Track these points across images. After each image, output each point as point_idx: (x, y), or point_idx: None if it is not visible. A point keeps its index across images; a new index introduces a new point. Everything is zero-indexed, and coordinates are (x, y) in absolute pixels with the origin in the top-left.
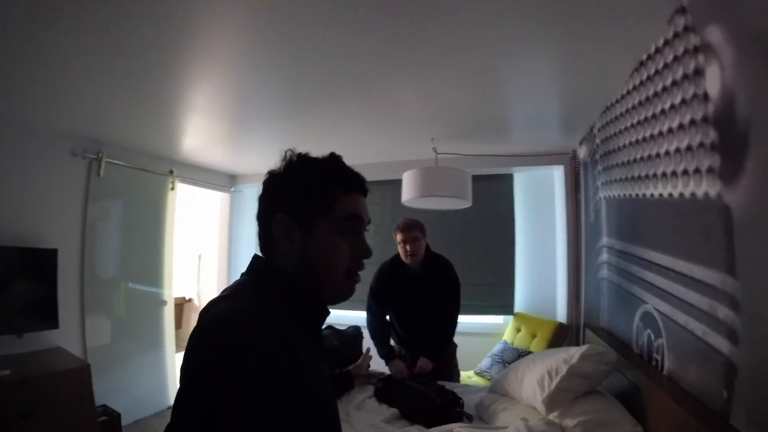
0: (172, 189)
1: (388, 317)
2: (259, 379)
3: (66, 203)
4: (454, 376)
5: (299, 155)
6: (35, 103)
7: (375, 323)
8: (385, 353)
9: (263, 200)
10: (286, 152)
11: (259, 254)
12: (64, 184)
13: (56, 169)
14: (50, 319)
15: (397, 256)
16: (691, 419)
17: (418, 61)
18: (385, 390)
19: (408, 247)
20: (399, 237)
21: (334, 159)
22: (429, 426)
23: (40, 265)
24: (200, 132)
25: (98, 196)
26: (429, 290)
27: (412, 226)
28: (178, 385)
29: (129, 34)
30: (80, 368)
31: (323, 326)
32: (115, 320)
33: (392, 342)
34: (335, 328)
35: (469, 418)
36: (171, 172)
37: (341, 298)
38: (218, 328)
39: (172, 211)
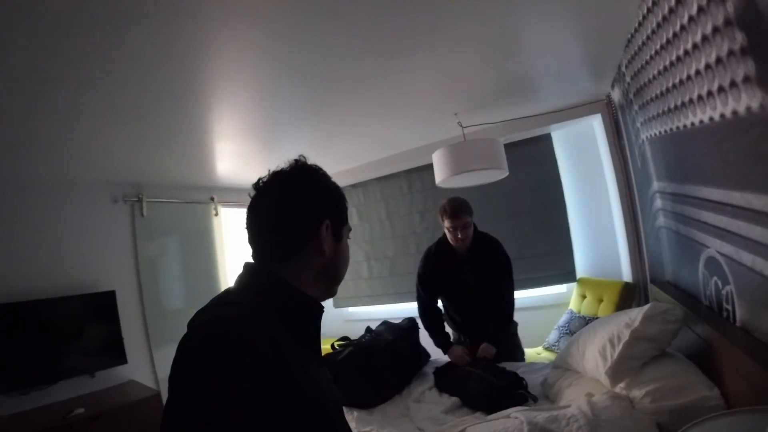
0: (216, 215)
1: (440, 304)
2: (246, 385)
3: (116, 247)
4: (518, 355)
5: (316, 167)
6: (68, 159)
7: (426, 312)
8: (442, 342)
9: (292, 206)
10: (300, 157)
11: (250, 262)
12: (111, 230)
13: (101, 217)
14: (119, 356)
15: (442, 239)
16: None
17: (429, 31)
18: (445, 379)
19: (459, 234)
20: (448, 223)
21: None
22: (491, 412)
23: (102, 307)
24: (232, 156)
25: (146, 235)
26: (479, 271)
27: (461, 210)
28: None
29: (148, 75)
30: (151, 397)
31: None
32: None
33: (448, 329)
34: (390, 323)
35: (534, 399)
36: (212, 198)
37: (335, 292)
38: (205, 337)
39: (220, 235)
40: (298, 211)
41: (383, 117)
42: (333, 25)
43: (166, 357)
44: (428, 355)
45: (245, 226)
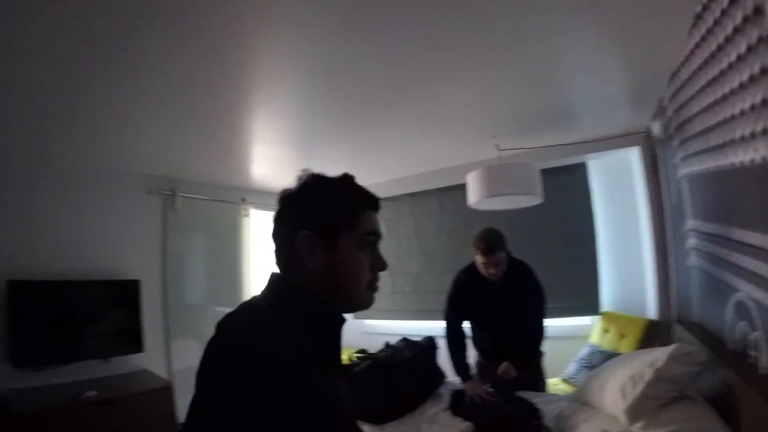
0: (246, 216)
1: (469, 328)
2: (268, 392)
3: (146, 238)
4: (540, 385)
5: (315, 175)
6: (108, 149)
7: (452, 335)
8: (461, 370)
9: (282, 219)
10: (302, 172)
11: (277, 272)
12: (142, 221)
13: (134, 208)
14: (135, 344)
15: (474, 265)
16: None
17: (468, 59)
18: (460, 402)
19: (492, 270)
20: (481, 258)
21: (349, 178)
22: None
23: (125, 295)
24: (267, 159)
25: (176, 229)
26: (510, 298)
27: (495, 247)
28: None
29: (190, 71)
30: (163, 388)
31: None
32: (203, 343)
33: (474, 354)
34: (409, 340)
35: (548, 431)
36: (243, 200)
37: (362, 307)
38: (236, 340)
39: (248, 236)
40: (282, 226)
41: (420, 133)
42: (375, 41)
43: (181, 350)
44: (444, 376)
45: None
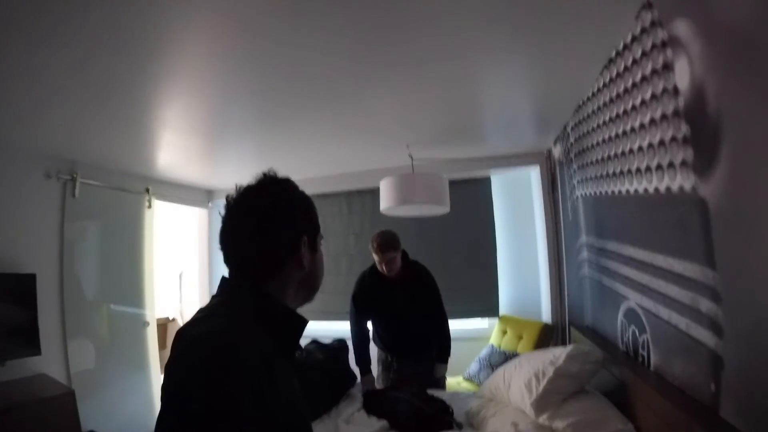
0: (149, 207)
1: (370, 325)
2: (240, 401)
3: (42, 227)
4: (440, 381)
5: (282, 178)
6: (4, 124)
7: (357, 331)
8: (363, 364)
9: (268, 220)
10: (269, 171)
11: (226, 276)
12: (39, 207)
13: (31, 192)
14: (32, 346)
15: (376, 267)
16: (680, 413)
17: (388, 70)
18: (374, 402)
19: (384, 267)
20: (375, 257)
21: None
22: None
23: (20, 290)
24: (175, 148)
25: (74, 218)
26: (409, 295)
27: (387, 246)
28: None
29: (99, 51)
30: (64, 395)
31: (303, 339)
32: (99, 343)
33: (378, 349)
34: (320, 342)
35: (459, 426)
36: (147, 190)
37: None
38: (200, 350)
39: (150, 229)
40: (278, 231)
41: (334, 137)
42: (296, 40)
43: (78, 351)
44: (356, 377)
45: (220, 244)
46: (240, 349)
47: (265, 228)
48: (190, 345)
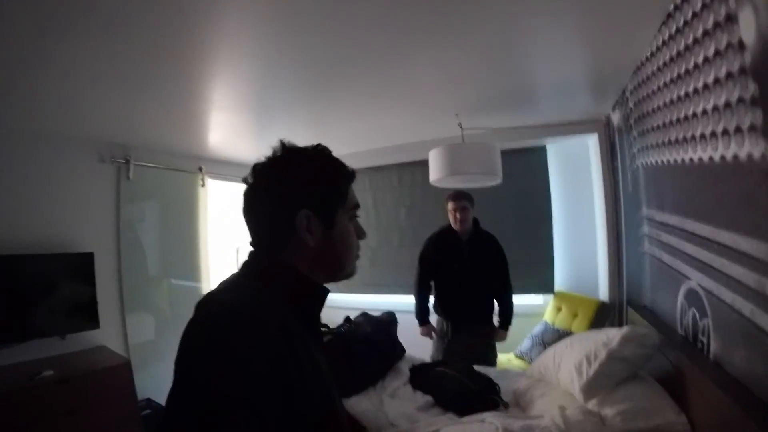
0: (203, 185)
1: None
2: (259, 379)
3: (98, 208)
4: (490, 358)
5: (294, 149)
6: (58, 113)
7: (420, 286)
8: (422, 313)
9: (270, 195)
10: (280, 142)
11: (253, 250)
12: (95, 190)
13: (86, 176)
14: (91, 320)
15: (447, 226)
16: (737, 408)
17: (435, 37)
18: (420, 377)
19: (458, 215)
20: (450, 205)
21: (327, 151)
22: (463, 414)
23: (79, 268)
24: (224, 127)
25: (130, 199)
26: (476, 256)
27: (462, 195)
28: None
29: (144, 35)
30: (121, 365)
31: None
32: (159, 316)
33: (435, 317)
34: (369, 315)
35: (506, 405)
36: (200, 169)
37: (349, 275)
38: (217, 325)
39: (205, 207)
40: (273, 205)
41: (381, 108)
42: (341, 10)
43: (137, 325)
44: (404, 351)
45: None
46: (257, 318)
47: (262, 202)
48: (206, 320)
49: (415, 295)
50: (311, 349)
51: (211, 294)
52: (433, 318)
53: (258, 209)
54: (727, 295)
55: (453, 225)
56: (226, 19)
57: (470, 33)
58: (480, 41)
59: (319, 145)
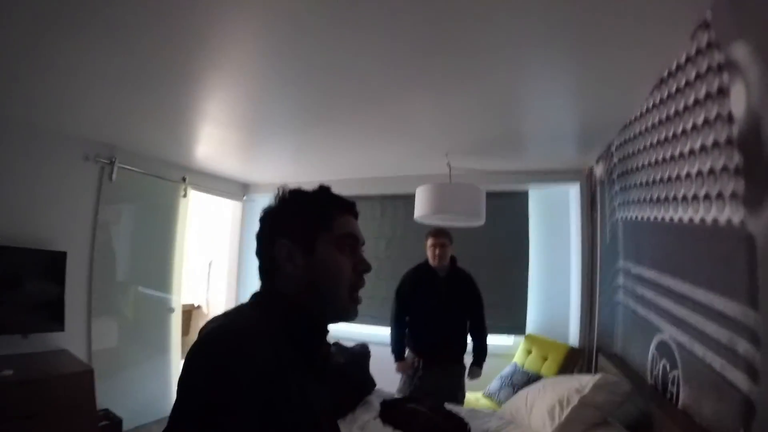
0: (185, 196)
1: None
2: (240, 392)
3: (77, 207)
4: (458, 396)
5: (291, 189)
6: (47, 106)
7: (396, 319)
8: (398, 350)
9: (261, 234)
10: (278, 189)
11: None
12: (76, 188)
13: (68, 173)
14: (56, 321)
15: (425, 262)
16: None
17: (433, 74)
18: (391, 411)
19: (437, 251)
20: (429, 241)
21: (324, 188)
22: None
23: (50, 267)
24: (213, 140)
25: (110, 201)
26: (453, 294)
27: (442, 232)
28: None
29: (142, 37)
30: (83, 372)
31: (331, 344)
32: (123, 323)
33: (408, 352)
34: (342, 346)
35: None
36: (184, 179)
37: (347, 314)
38: (213, 343)
39: (184, 218)
40: (261, 237)
41: (372, 140)
42: (345, 40)
43: (101, 330)
44: (374, 384)
45: None
46: (249, 346)
47: (258, 238)
48: (205, 340)
49: (391, 330)
50: (306, 377)
51: (214, 318)
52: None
53: (256, 244)
54: (699, 350)
55: (431, 261)
56: (231, 34)
57: (471, 79)
58: (479, 87)
59: (321, 184)
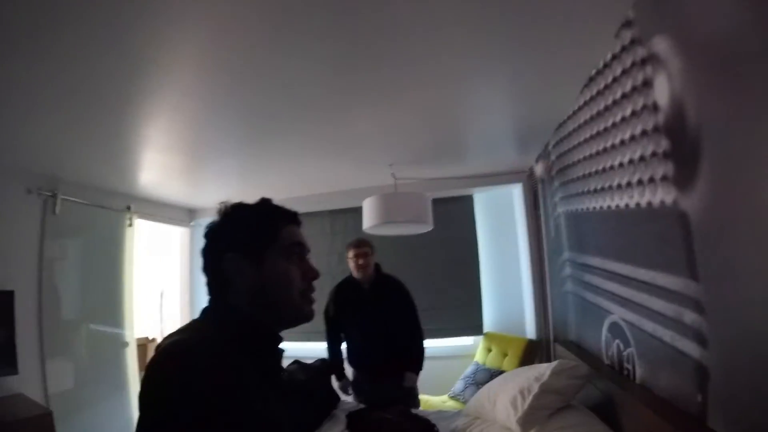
0: (130, 225)
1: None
2: (205, 407)
3: (21, 243)
4: (410, 401)
5: (234, 204)
6: None
7: (330, 340)
8: (336, 368)
9: (208, 250)
10: (220, 205)
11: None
12: (18, 223)
13: (10, 208)
14: (9, 365)
15: (349, 276)
16: (668, 425)
17: (372, 88)
18: (358, 422)
19: (360, 261)
20: (350, 253)
21: (266, 200)
22: None
23: None
24: (157, 166)
25: (54, 235)
26: (380, 307)
27: (362, 242)
28: None
29: (82, 67)
30: (42, 415)
31: (284, 359)
32: (78, 363)
33: (352, 370)
34: (302, 363)
35: None
36: (128, 208)
37: (303, 315)
38: (171, 358)
39: (131, 248)
40: (209, 253)
41: (317, 157)
42: (280, 59)
43: (57, 371)
44: (339, 398)
45: None
46: (203, 357)
47: (203, 260)
48: (158, 357)
49: (328, 352)
50: (262, 387)
51: (170, 334)
52: (350, 371)
53: (203, 260)
54: (648, 326)
55: (354, 273)
56: (170, 61)
57: (410, 90)
58: (418, 98)
59: (262, 198)
